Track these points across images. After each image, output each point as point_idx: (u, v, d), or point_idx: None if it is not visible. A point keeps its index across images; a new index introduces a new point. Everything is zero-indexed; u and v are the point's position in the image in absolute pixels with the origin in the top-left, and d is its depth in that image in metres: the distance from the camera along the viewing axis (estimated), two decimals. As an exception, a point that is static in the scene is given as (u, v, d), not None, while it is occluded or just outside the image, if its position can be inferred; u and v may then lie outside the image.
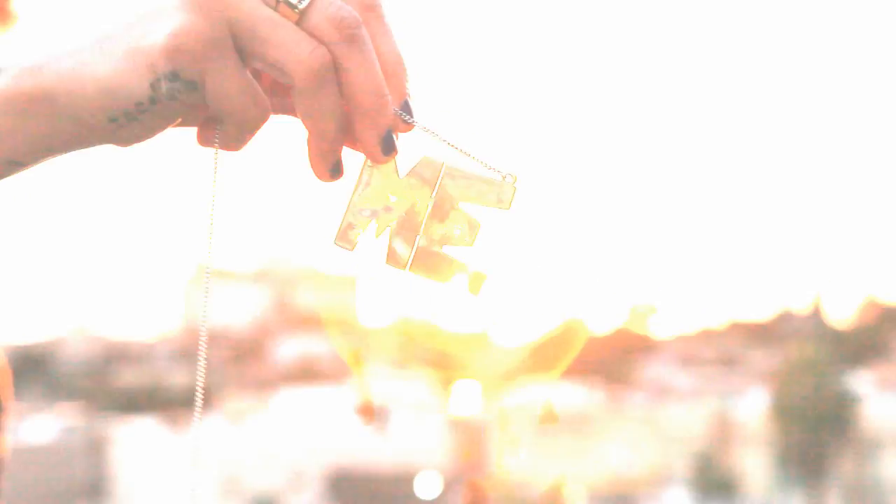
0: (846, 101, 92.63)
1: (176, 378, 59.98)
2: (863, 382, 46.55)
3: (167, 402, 51.97)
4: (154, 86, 0.78)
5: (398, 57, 0.82)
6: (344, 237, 0.84)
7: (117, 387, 58.64)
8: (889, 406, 42.97)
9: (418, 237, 0.84)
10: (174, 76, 0.78)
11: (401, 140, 0.84)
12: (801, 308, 65.87)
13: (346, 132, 0.83)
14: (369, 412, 47.33)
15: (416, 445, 44.91)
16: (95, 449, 44.43)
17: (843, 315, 65.17)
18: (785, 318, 65.90)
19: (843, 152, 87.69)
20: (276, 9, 0.79)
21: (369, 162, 0.84)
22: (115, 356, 66.24)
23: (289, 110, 0.86)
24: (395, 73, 0.82)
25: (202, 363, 0.84)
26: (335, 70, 0.80)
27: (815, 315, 64.02)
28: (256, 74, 0.84)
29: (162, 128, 0.81)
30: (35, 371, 54.40)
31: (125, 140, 0.81)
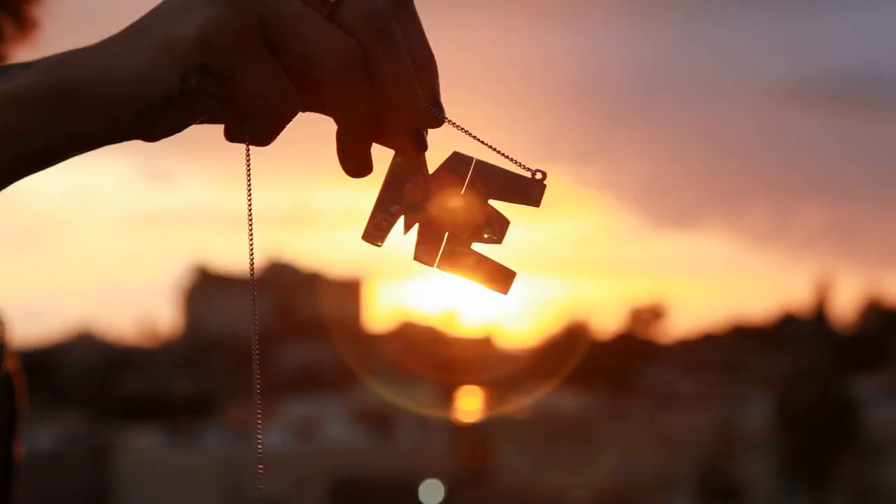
0: None
1: (179, 386, 59.85)
2: (867, 387, 46.45)
3: (170, 410, 51.86)
4: (184, 79, 0.77)
5: (429, 53, 0.81)
6: (372, 233, 0.83)
7: (120, 394, 58.52)
8: (894, 411, 42.84)
9: (447, 234, 0.83)
10: (204, 69, 0.77)
11: (430, 136, 0.83)
12: (804, 312, 65.83)
13: (376, 128, 0.81)
14: (373, 419, 47.22)
15: (420, 452, 44.78)
16: (98, 457, 44.35)
17: (846, 319, 65.08)
18: (788, 322, 65.84)
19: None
20: (307, 2, 0.79)
21: (399, 158, 0.83)
22: (118, 363, 66.16)
23: (316, 106, 0.84)
24: (425, 68, 0.81)
25: (256, 369, 0.88)
26: (366, 64, 0.79)
27: (819, 319, 63.92)
28: (285, 69, 0.81)
29: (188, 123, 0.81)
30: (37, 378, 54.27)
31: (152, 134, 0.80)
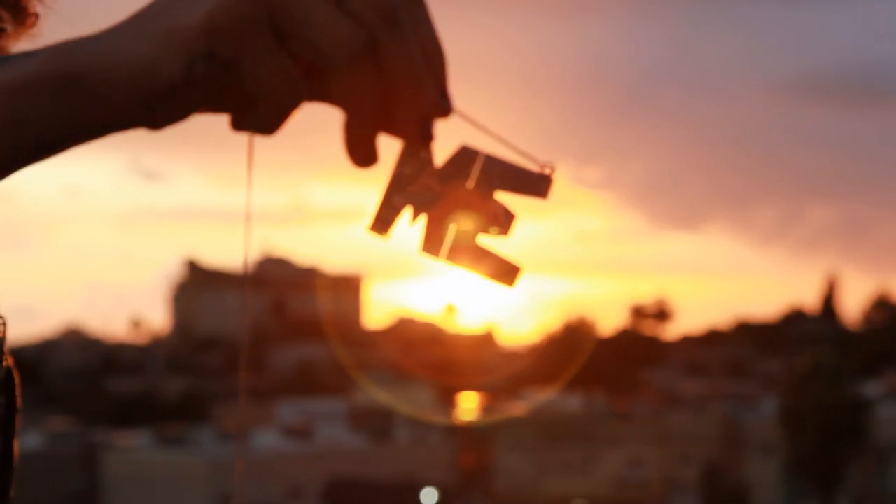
0: None
1: (168, 386, 59.41)
2: (875, 388, 46.13)
3: (160, 411, 51.42)
4: (190, 67, 0.77)
5: (438, 43, 0.81)
6: (378, 225, 0.82)
7: (110, 394, 58.03)
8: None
9: (454, 226, 0.83)
10: (211, 57, 0.77)
11: (438, 127, 0.82)
12: (810, 311, 65.29)
13: (383, 118, 0.81)
14: (370, 420, 46.60)
15: (418, 454, 44.19)
16: (87, 458, 43.78)
17: (853, 318, 64.53)
18: (794, 322, 65.28)
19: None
20: None
21: (406, 149, 0.82)
22: (108, 361, 65.63)
23: (323, 96, 0.82)
24: (434, 58, 0.80)
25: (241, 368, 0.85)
26: (374, 53, 0.79)
27: (826, 318, 63.38)
28: (292, 58, 0.80)
29: (193, 111, 0.80)
30: (25, 377, 53.51)
31: (156, 123, 0.80)
